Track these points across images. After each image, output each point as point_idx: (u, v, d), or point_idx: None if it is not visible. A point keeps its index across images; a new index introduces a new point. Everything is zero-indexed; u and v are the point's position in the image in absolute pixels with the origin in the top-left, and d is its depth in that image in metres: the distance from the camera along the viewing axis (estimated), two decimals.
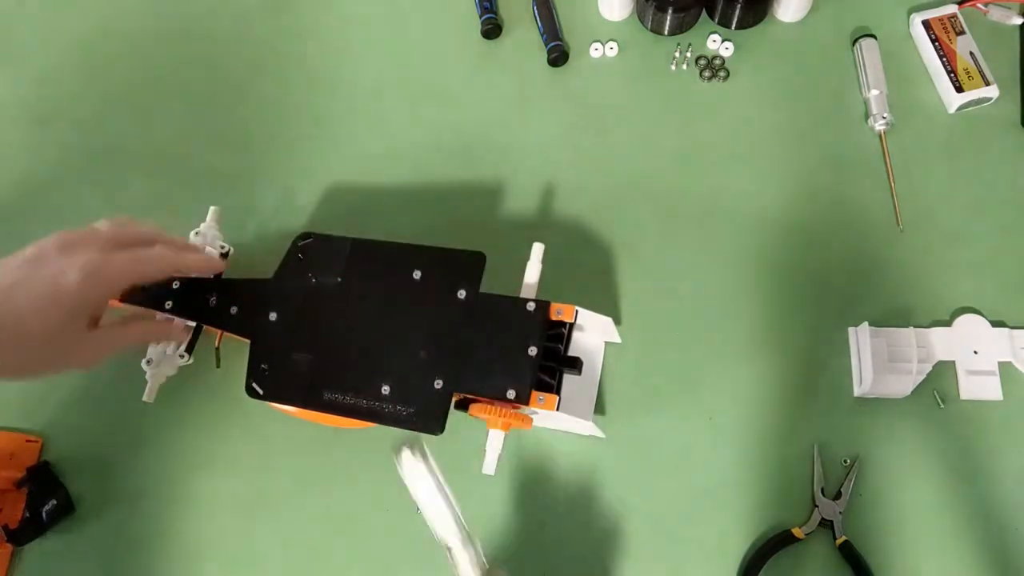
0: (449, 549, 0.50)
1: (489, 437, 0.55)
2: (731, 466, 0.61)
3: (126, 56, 0.81)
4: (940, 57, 0.71)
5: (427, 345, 0.57)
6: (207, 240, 0.65)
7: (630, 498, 0.61)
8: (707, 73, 0.73)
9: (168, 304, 0.61)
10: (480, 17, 0.77)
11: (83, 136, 0.77)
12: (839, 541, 0.58)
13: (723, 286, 0.66)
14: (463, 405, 0.56)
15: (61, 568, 0.63)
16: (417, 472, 0.49)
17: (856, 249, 0.66)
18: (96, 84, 0.80)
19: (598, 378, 0.63)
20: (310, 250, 0.62)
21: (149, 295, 0.62)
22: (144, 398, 0.61)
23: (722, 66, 0.73)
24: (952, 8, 0.72)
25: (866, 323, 0.62)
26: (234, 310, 0.61)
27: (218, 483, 0.64)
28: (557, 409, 0.54)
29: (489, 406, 0.55)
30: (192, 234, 0.65)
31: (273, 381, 0.59)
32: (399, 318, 0.58)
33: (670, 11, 0.72)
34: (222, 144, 0.76)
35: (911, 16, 0.73)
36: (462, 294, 0.58)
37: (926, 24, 0.72)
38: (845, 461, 0.60)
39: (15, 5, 0.85)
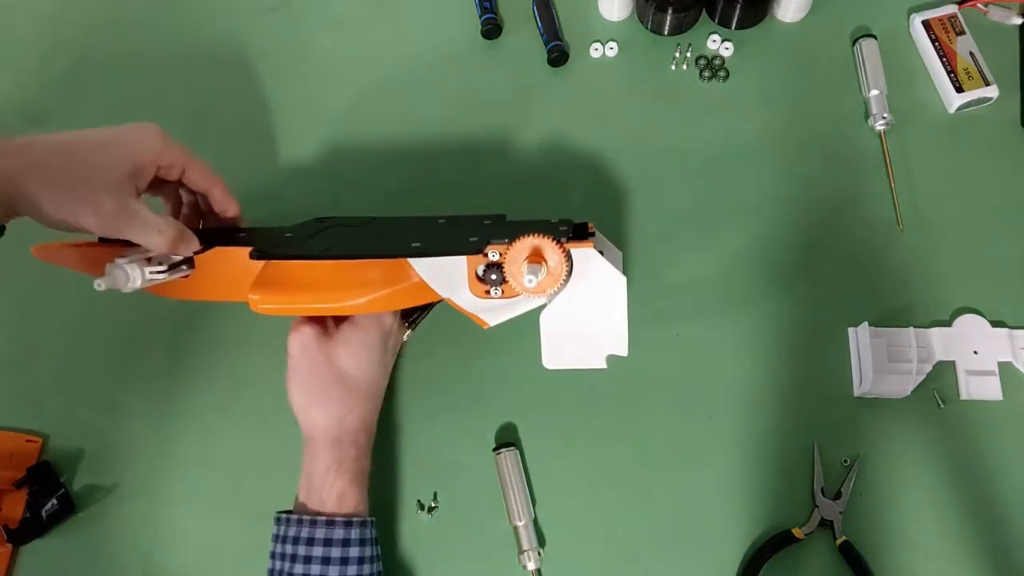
0: (516, 527, 0.60)
1: (550, 264, 0.53)
2: (731, 466, 0.61)
3: (123, 54, 0.81)
4: (940, 57, 0.71)
5: (457, 228, 0.59)
6: None
7: (629, 498, 0.61)
8: (707, 73, 0.73)
9: None
10: (480, 17, 0.77)
11: None
12: (839, 541, 0.58)
13: (723, 286, 0.66)
14: (494, 274, 0.54)
15: (61, 568, 0.63)
16: (512, 462, 0.61)
17: (856, 249, 0.66)
18: (91, 83, 0.80)
19: (625, 312, 0.58)
20: (327, 224, 0.62)
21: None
22: (96, 284, 0.51)
23: (722, 66, 0.73)
24: (952, 8, 0.72)
25: (866, 323, 0.62)
26: (243, 234, 0.60)
27: (219, 483, 0.64)
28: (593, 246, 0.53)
29: (539, 238, 0.52)
30: None
31: (282, 249, 0.57)
32: (424, 227, 0.60)
33: (670, 11, 0.72)
34: (224, 141, 0.76)
35: (911, 16, 0.73)
36: (488, 222, 0.59)
37: (926, 24, 0.72)
38: (845, 461, 0.60)
39: (12, 3, 0.85)
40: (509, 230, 0.55)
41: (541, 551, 0.60)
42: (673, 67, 0.74)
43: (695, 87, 0.73)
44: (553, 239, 0.52)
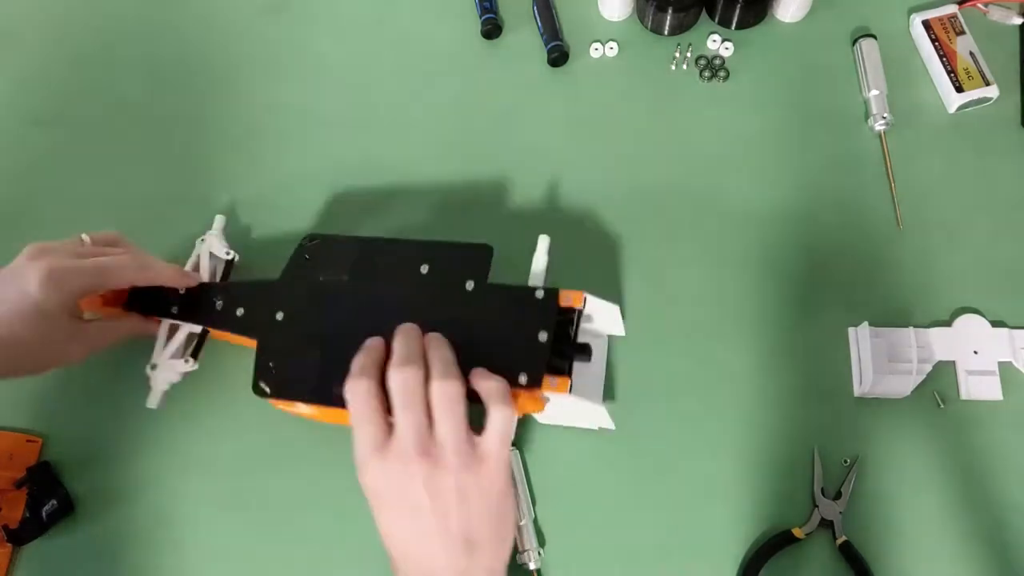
0: (516, 527, 0.59)
1: None
2: (731, 466, 0.61)
3: (125, 57, 0.81)
4: (940, 57, 0.71)
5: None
6: (212, 247, 0.66)
7: (630, 498, 0.61)
8: (707, 73, 0.73)
9: (174, 310, 0.62)
10: (480, 17, 0.77)
11: (80, 138, 0.77)
12: (839, 541, 0.58)
13: (723, 286, 0.66)
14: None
15: (61, 568, 0.63)
16: (512, 462, 0.59)
17: (856, 249, 0.66)
18: (94, 85, 0.80)
19: (604, 366, 0.63)
20: (317, 251, 0.61)
21: (154, 301, 0.63)
22: (149, 404, 0.62)
23: (722, 66, 0.73)
24: (952, 8, 0.72)
25: (866, 323, 0.62)
26: (240, 312, 0.61)
27: (219, 484, 0.64)
28: (570, 391, 0.53)
29: None
30: (197, 241, 0.66)
31: (280, 379, 0.58)
32: (408, 312, 0.57)
33: (670, 11, 0.72)
34: (225, 145, 0.76)
35: (911, 16, 0.73)
36: (470, 285, 0.57)
37: (926, 24, 0.72)
38: (845, 461, 0.60)
39: (14, 6, 0.85)
40: (478, 313, 0.55)
41: (541, 551, 0.60)
42: (673, 67, 0.74)
43: (695, 87, 0.73)
44: (518, 395, 0.52)
